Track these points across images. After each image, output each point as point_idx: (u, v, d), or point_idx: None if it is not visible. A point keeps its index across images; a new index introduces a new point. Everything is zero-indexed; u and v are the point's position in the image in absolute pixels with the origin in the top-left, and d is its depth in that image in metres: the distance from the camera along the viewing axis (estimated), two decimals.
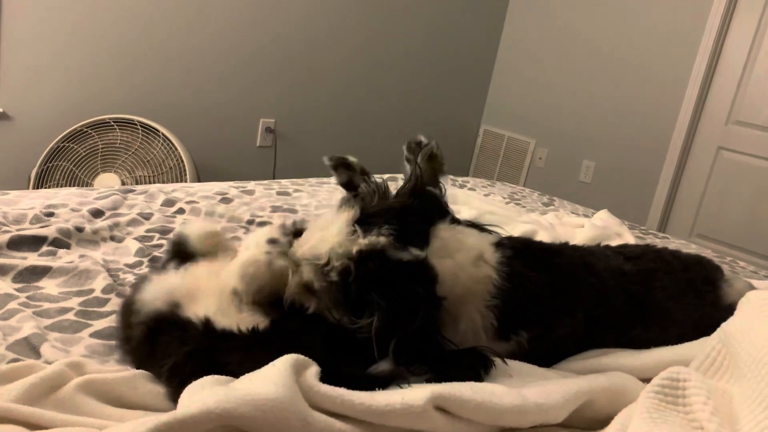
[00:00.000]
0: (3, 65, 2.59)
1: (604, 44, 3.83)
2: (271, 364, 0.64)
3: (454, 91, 4.27)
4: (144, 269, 1.14)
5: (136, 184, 2.48)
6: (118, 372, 0.74)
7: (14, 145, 2.69)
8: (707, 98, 3.45)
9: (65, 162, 2.51)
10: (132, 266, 1.15)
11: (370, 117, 3.87)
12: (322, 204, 1.71)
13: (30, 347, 0.81)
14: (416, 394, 0.63)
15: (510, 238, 0.89)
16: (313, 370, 0.65)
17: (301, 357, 0.66)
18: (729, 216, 3.39)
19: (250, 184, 1.82)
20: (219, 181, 1.86)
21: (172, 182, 2.51)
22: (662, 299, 0.92)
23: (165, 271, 0.86)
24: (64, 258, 1.13)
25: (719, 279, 1.01)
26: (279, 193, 1.78)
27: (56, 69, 2.73)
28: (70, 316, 0.93)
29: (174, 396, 0.67)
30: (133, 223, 1.36)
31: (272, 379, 0.61)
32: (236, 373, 0.66)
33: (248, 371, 0.65)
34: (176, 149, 2.61)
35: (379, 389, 0.66)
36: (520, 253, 0.84)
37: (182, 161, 2.60)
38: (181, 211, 1.49)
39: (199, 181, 2.65)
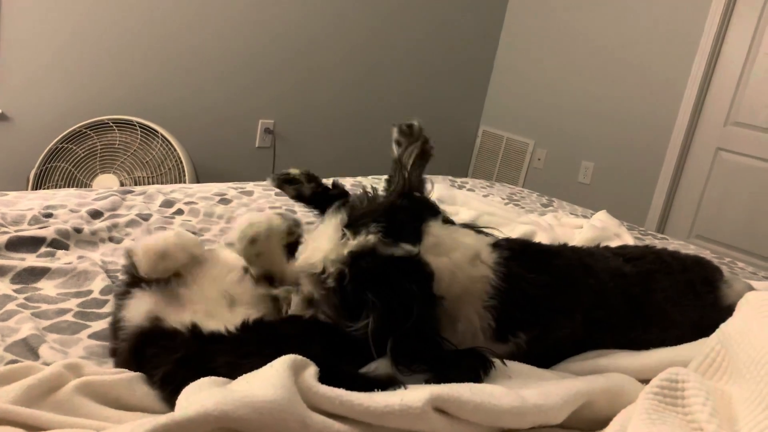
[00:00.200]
0: (2, 66, 2.59)
1: (603, 45, 3.84)
2: (269, 365, 0.64)
3: (452, 91, 4.27)
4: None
5: (135, 185, 2.48)
6: (116, 374, 0.74)
7: (13, 146, 2.69)
8: (706, 99, 3.45)
9: (64, 163, 2.51)
10: None
11: (369, 118, 3.87)
12: None
13: (28, 348, 0.81)
14: (415, 395, 0.62)
15: (507, 240, 0.89)
16: (311, 370, 0.65)
17: (299, 357, 0.66)
18: (728, 217, 3.40)
19: (249, 185, 1.82)
20: (218, 182, 1.86)
21: (171, 183, 2.51)
22: (661, 300, 0.92)
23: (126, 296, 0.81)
24: (63, 259, 1.13)
25: (718, 280, 1.01)
26: (278, 194, 1.78)
27: (55, 70, 2.73)
28: (69, 317, 0.93)
29: (169, 402, 0.67)
30: (131, 224, 1.35)
31: (270, 381, 0.60)
32: (228, 375, 0.66)
33: (241, 372, 0.65)
34: (175, 150, 2.61)
35: (378, 390, 0.65)
36: (517, 254, 0.84)
37: (181, 162, 2.60)
38: (179, 212, 1.49)
39: (198, 182, 2.65)
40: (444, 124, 4.25)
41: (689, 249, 1.87)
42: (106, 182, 2.51)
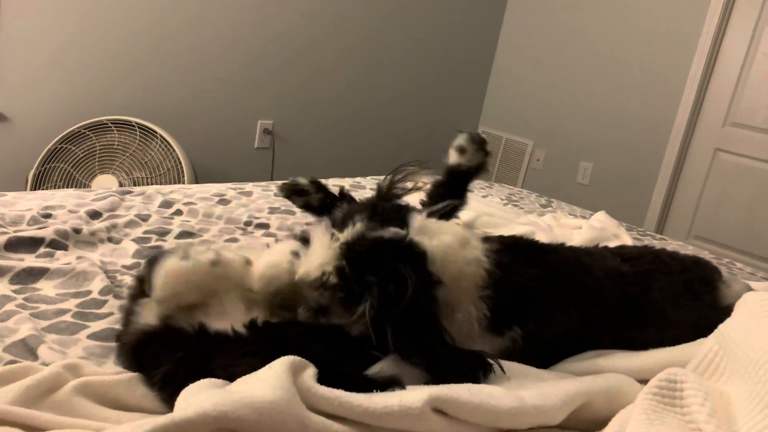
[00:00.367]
0: (1, 66, 2.59)
1: (602, 46, 3.84)
2: (267, 366, 0.64)
3: (451, 92, 4.27)
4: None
5: (134, 185, 2.48)
6: (115, 374, 0.74)
7: (12, 147, 2.69)
8: (704, 100, 3.45)
9: (63, 163, 2.51)
10: (129, 268, 1.15)
11: (368, 119, 3.87)
12: None
13: (27, 349, 0.81)
14: (414, 395, 0.63)
15: (499, 236, 0.90)
16: (310, 371, 0.65)
17: (298, 358, 0.66)
18: (726, 217, 3.40)
19: (248, 186, 1.82)
20: (217, 182, 1.86)
21: (170, 184, 2.51)
22: (660, 300, 0.92)
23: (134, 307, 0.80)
24: (62, 259, 1.13)
25: (717, 280, 1.01)
26: (277, 195, 1.78)
27: (54, 71, 2.72)
28: (68, 317, 0.93)
29: (169, 403, 0.66)
30: (130, 224, 1.35)
31: (269, 382, 0.60)
32: (228, 376, 0.66)
33: (240, 373, 0.65)
34: (174, 151, 2.61)
35: (377, 391, 0.65)
36: (508, 247, 0.85)
37: (180, 163, 2.60)
38: (178, 212, 1.49)
39: (197, 182, 2.65)
40: (442, 125, 4.25)
41: (688, 249, 1.88)
42: (105, 183, 2.51)
